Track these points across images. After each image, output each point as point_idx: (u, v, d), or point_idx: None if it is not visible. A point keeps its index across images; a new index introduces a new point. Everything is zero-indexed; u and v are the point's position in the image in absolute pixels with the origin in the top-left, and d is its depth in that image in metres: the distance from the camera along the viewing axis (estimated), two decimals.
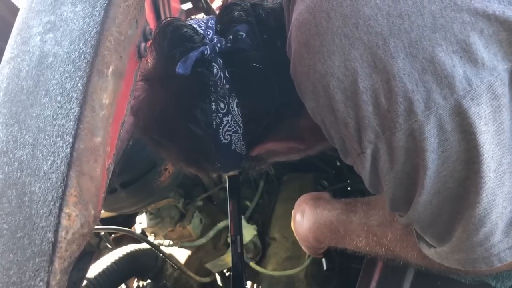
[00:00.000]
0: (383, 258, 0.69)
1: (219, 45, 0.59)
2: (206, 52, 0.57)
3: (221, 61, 0.59)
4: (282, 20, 0.60)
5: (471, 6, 0.42)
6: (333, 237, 0.79)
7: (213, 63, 0.58)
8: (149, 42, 0.60)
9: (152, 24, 0.77)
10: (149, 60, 0.62)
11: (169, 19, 0.63)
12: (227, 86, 0.59)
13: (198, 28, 0.61)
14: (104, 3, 0.44)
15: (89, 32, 0.43)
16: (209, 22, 0.63)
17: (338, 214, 0.78)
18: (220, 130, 0.61)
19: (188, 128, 0.61)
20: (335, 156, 1.60)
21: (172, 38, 0.60)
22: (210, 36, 0.60)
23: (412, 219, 0.52)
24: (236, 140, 0.63)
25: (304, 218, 0.87)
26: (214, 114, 0.60)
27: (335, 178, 1.66)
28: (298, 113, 0.64)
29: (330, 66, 0.46)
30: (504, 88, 0.43)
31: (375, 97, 0.45)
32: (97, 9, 0.44)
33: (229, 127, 0.61)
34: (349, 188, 1.51)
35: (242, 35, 0.59)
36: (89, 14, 0.44)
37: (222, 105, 0.60)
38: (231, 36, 0.60)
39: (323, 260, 0.96)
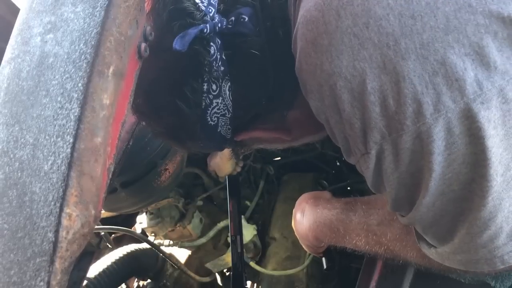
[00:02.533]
0: (383, 257, 0.69)
1: (219, 25, 0.57)
2: (205, 30, 0.56)
3: (219, 42, 0.57)
4: (286, 11, 0.59)
5: (486, 8, 0.42)
6: (332, 236, 0.79)
7: (211, 43, 0.57)
8: (148, 9, 0.58)
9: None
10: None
11: None
12: (222, 68, 0.58)
13: (200, 4, 0.59)
14: (105, 4, 0.44)
15: (90, 32, 0.43)
16: None
17: (338, 213, 0.78)
18: (208, 112, 0.60)
19: (175, 104, 0.59)
20: (335, 156, 1.60)
21: (172, 9, 0.58)
22: (211, 14, 0.58)
23: (414, 220, 0.52)
24: (223, 124, 0.62)
25: (304, 217, 0.87)
26: (204, 95, 0.59)
27: (335, 178, 1.66)
28: (289, 105, 0.63)
29: (338, 66, 0.46)
30: None
31: (383, 98, 0.44)
32: (97, 9, 0.44)
33: (218, 109, 0.60)
34: (348, 188, 1.52)
35: (245, 18, 0.58)
36: (89, 14, 0.44)
37: (214, 86, 0.58)
38: (233, 18, 0.58)
39: (323, 259, 0.97)
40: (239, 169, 1.51)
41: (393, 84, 0.43)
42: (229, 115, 0.62)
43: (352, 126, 0.47)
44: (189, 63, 0.58)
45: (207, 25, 0.56)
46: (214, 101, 0.59)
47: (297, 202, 0.94)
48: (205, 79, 0.58)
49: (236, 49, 0.58)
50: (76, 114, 0.41)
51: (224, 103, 0.60)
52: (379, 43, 0.44)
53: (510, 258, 0.48)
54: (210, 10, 0.58)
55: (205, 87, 0.58)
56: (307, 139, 0.74)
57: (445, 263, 0.54)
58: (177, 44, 0.54)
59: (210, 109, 0.60)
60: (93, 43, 0.43)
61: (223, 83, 0.59)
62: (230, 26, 0.58)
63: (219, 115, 0.61)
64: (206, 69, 0.57)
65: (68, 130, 0.40)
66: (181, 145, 0.73)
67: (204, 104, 0.59)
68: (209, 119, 0.61)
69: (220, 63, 0.57)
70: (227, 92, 0.59)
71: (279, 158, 1.73)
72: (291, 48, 0.55)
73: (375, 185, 0.53)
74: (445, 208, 0.48)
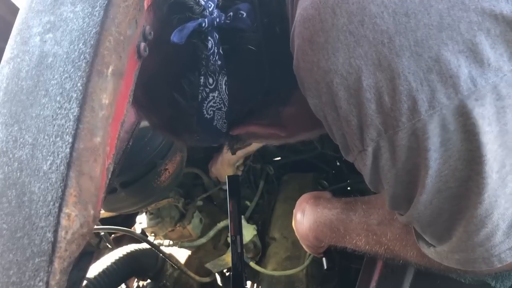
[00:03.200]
0: (383, 257, 0.69)
1: (217, 20, 0.58)
2: (204, 24, 0.57)
3: (217, 36, 0.58)
4: (284, 8, 0.60)
5: (479, 5, 0.42)
6: (333, 235, 0.79)
7: (209, 37, 0.58)
8: (149, 3, 0.59)
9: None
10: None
11: None
12: (219, 62, 0.59)
13: None
14: (104, 3, 0.44)
15: (89, 32, 0.43)
16: None
17: (338, 213, 0.78)
18: (205, 105, 0.61)
19: (173, 96, 0.60)
20: (335, 156, 1.60)
21: (172, 3, 0.59)
22: (210, 9, 0.59)
23: (412, 218, 0.52)
24: (219, 117, 0.63)
25: (305, 217, 0.87)
26: (201, 88, 0.59)
27: (335, 178, 1.66)
28: (284, 101, 0.64)
29: (334, 63, 0.46)
30: (509, 89, 0.42)
31: (378, 95, 0.45)
32: (96, 9, 0.44)
33: (214, 103, 0.61)
34: (348, 188, 1.52)
35: (243, 14, 0.59)
36: (88, 14, 0.44)
37: (210, 80, 0.59)
38: (231, 13, 0.59)
39: (324, 259, 0.97)
40: (239, 173, 1.52)
41: (388, 81, 0.44)
42: (225, 109, 0.62)
43: (349, 123, 0.48)
44: (187, 56, 0.58)
45: (206, 19, 0.57)
46: (211, 94, 0.60)
47: (298, 202, 0.94)
48: (202, 72, 0.59)
49: (233, 44, 0.59)
50: (75, 114, 0.40)
51: (220, 97, 0.61)
52: (374, 40, 0.44)
53: (507, 256, 0.48)
54: (209, 5, 0.59)
55: (201, 80, 0.59)
56: (303, 136, 0.74)
57: (444, 263, 0.54)
58: (175, 37, 0.54)
59: (206, 102, 0.61)
60: (92, 42, 0.43)
61: (220, 77, 0.59)
62: (228, 21, 0.59)
63: (215, 109, 0.62)
64: (203, 62, 0.58)
65: (67, 130, 0.40)
66: (177, 137, 0.74)
67: (200, 97, 0.60)
68: (205, 112, 0.62)
69: (217, 57, 0.58)
70: (223, 86, 0.60)
71: (279, 158, 1.73)
72: (287, 45, 0.56)
73: (373, 183, 0.53)
74: (442, 206, 0.48)
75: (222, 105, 0.62)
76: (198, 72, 0.58)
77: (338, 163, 1.66)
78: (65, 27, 0.45)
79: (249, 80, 0.61)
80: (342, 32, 0.46)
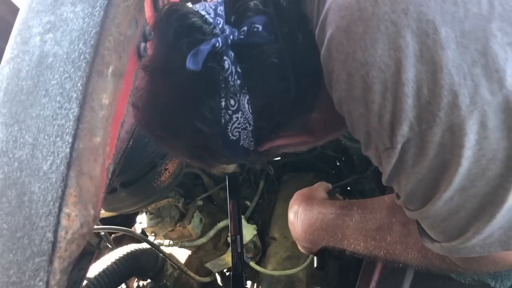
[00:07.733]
0: (383, 260, 0.68)
1: (231, 37, 0.54)
2: (217, 44, 0.53)
3: (232, 55, 0.54)
4: (303, 9, 0.57)
5: None
6: (330, 239, 0.78)
7: (225, 57, 0.54)
8: (150, 25, 0.55)
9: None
10: (149, 47, 0.55)
11: (172, 3, 0.58)
12: (238, 82, 0.55)
13: (206, 16, 0.56)
14: (104, 3, 0.44)
15: (89, 32, 0.43)
16: (218, 9, 0.57)
17: (334, 218, 0.76)
18: (229, 127, 0.58)
19: (194, 125, 0.57)
20: (335, 156, 1.60)
21: (178, 26, 0.55)
22: (220, 26, 0.55)
23: (426, 214, 0.50)
24: (245, 137, 0.60)
25: (299, 220, 0.86)
26: (223, 111, 0.56)
27: (335, 178, 1.66)
28: (310, 108, 0.61)
29: (372, 55, 0.44)
30: None
31: (417, 89, 0.42)
32: (96, 9, 0.44)
33: (238, 124, 0.58)
34: (348, 188, 1.51)
35: (258, 28, 0.55)
36: (88, 14, 0.44)
37: (232, 102, 0.56)
38: (245, 28, 0.55)
39: (315, 258, 0.96)
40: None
41: (429, 74, 0.42)
42: (251, 128, 0.59)
43: (381, 118, 0.45)
44: (204, 82, 0.55)
45: (219, 38, 0.53)
46: (234, 116, 0.57)
47: (290, 203, 0.92)
48: (222, 95, 0.55)
49: (252, 60, 0.55)
50: (75, 114, 0.41)
51: (244, 116, 0.58)
52: (417, 30, 0.42)
53: None
54: (218, 22, 0.56)
55: (223, 103, 0.56)
56: (331, 136, 0.71)
57: (453, 255, 0.52)
58: (190, 64, 0.51)
59: (230, 124, 0.58)
60: (92, 42, 0.43)
61: (241, 97, 0.56)
62: (242, 37, 0.55)
63: (240, 129, 0.59)
64: (222, 85, 0.55)
65: (67, 130, 0.40)
66: (204, 163, 0.69)
67: (223, 120, 0.57)
68: (230, 135, 0.59)
69: (236, 77, 0.55)
70: (246, 106, 0.57)
71: (279, 158, 1.73)
72: (312, 48, 0.53)
73: (389, 179, 0.51)
74: (462, 204, 0.46)
75: (247, 124, 0.58)
76: (218, 96, 0.55)
77: (338, 163, 1.66)
78: (65, 27, 0.45)
79: (273, 95, 0.57)
80: (383, 22, 0.43)
